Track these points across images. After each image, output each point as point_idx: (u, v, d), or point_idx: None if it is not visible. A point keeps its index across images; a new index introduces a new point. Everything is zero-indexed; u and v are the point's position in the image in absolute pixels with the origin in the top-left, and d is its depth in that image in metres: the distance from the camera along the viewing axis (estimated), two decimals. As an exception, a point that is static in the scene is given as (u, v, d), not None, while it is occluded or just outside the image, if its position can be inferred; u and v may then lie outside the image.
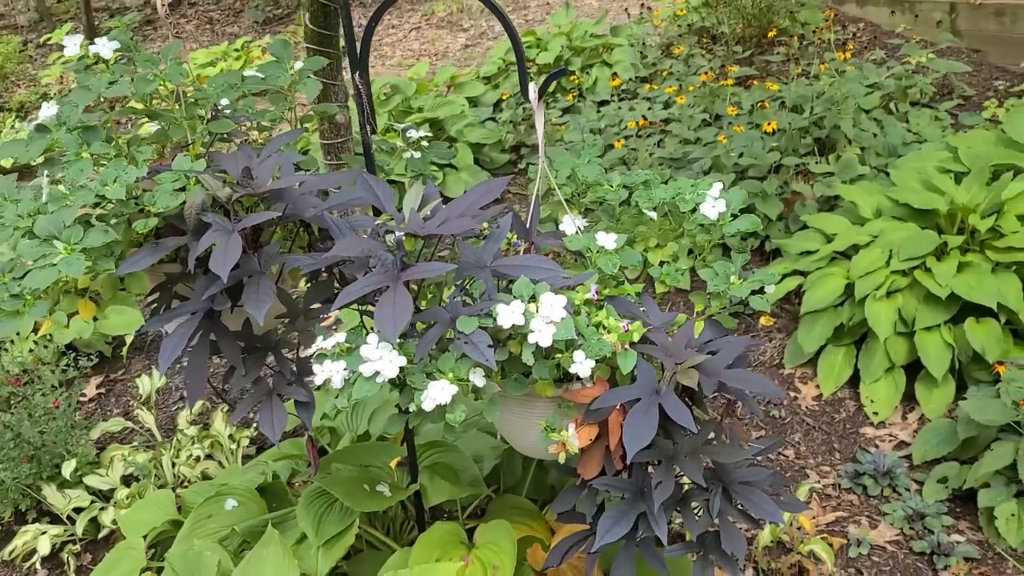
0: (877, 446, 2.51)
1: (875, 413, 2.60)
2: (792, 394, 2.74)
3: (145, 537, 2.09)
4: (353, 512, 1.80)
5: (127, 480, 2.49)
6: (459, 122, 4.34)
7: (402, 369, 1.30)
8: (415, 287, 1.40)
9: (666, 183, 1.59)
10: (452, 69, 5.05)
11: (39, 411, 2.47)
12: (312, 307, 1.52)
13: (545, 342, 1.26)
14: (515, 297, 1.31)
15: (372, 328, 1.48)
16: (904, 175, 3.04)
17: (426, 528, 1.95)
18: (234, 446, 2.55)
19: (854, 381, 2.70)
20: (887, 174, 3.28)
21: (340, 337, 1.36)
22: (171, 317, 1.41)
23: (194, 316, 1.40)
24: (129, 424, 2.70)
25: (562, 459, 1.41)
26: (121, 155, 1.48)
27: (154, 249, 1.35)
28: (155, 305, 1.53)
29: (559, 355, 1.33)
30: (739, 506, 1.49)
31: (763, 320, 3.07)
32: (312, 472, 1.73)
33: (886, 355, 2.63)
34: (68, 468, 2.39)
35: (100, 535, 2.40)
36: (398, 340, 1.31)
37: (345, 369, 1.35)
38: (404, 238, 1.34)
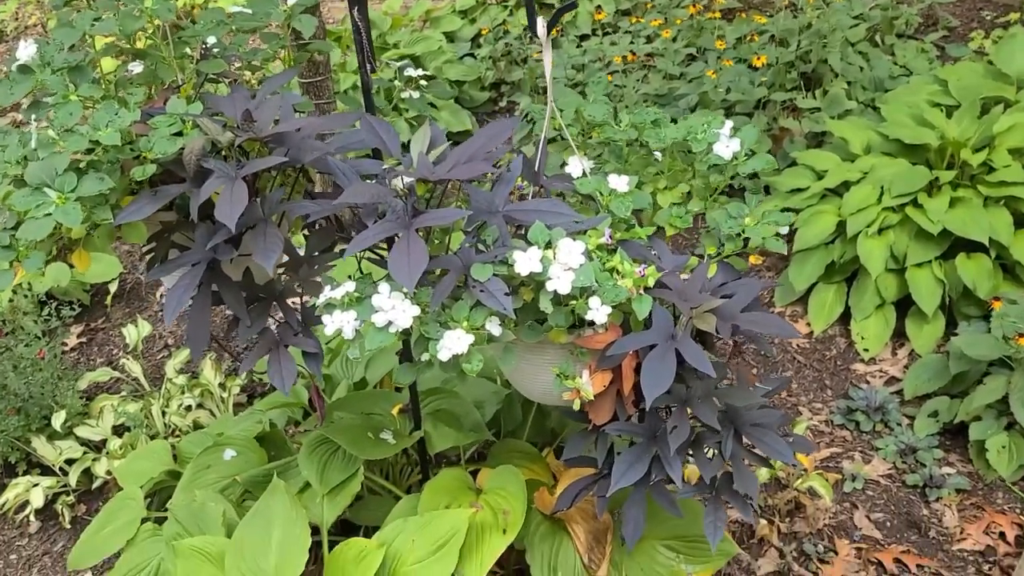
0: (868, 382, 2.54)
1: (866, 350, 2.62)
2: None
3: (142, 487, 2.07)
4: (357, 460, 1.79)
5: (118, 430, 2.45)
6: (437, 58, 4.23)
7: (415, 318, 1.27)
8: (423, 234, 1.36)
9: (675, 122, 1.56)
10: (427, 3, 4.90)
11: (24, 362, 2.41)
12: (314, 255, 1.48)
13: (564, 289, 1.24)
14: (531, 243, 1.28)
15: (372, 274, 1.45)
16: (894, 109, 3.01)
17: (430, 474, 1.95)
18: (225, 394, 2.51)
19: (845, 318, 2.72)
20: (875, 108, 3.27)
21: (349, 286, 1.32)
22: (173, 268, 1.36)
23: (196, 267, 1.35)
24: (116, 374, 2.65)
25: (576, 406, 1.40)
26: (111, 97, 1.41)
27: (153, 198, 1.29)
28: (151, 255, 1.48)
29: (574, 302, 1.30)
30: (750, 447, 1.49)
31: (752, 259, 3.06)
32: (319, 421, 1.71)
33: (877, 292, 2.64)
34: (58, 420, 2.35)
35: (94, 486, 2.38)
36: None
37: (356, 319, 1.32)
38: (415, 184, 1.30)
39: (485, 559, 1.53)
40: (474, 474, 1.96)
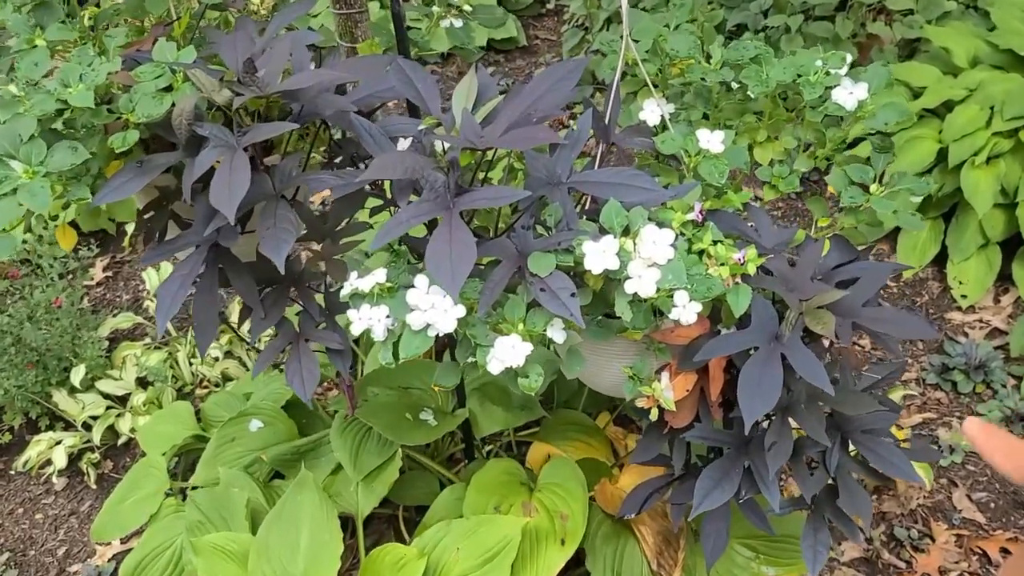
0: (967, 334, 2.26)
1: (964, 296, 2.33)
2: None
3: (164, 454, 1.92)
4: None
5: (143, 382, 2.29)
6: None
7: (460, 320, 1.03)
8: (468, 216, 1.11)
9: (777, 49, 1.25)
10: None
11: (40, 310, 2.24)
12: (340, 227, 1.24)
13: (647, 291, 0.98)
14: (605, 229, 1.02)
15: (409, 255, 1.21)
16: (1006, 14, 2.61)
17: (476, 454, 1.75)
18: (257, 343, 2.32)
19: (940, 259, 2.42)
20: (981, 11, 2.86)
21: (379, 274, 1.08)
22: (169, 251, 1.13)
23: (197, 251, 1.12)
24: (139, 319, 2.47)
25: (654, 416, 1.17)
26: (86, 39, 1.15)
27: (138, 172, 1.05)
28: (148, 227, 1.25)
29: (655, 296, 1.05)
30: (860, 458, 1.25)
31: (830, 189, 2.74)
32: (349, 411, 1.50)
33: (980, 230, 2.33)
34: (77, 375, 2.18)
35: (120, 442, 2.23)
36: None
37: (388, 317, 1.08)
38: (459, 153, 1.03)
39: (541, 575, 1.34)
40: (524, 447, 1.76)
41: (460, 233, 0.96)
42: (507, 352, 1.01)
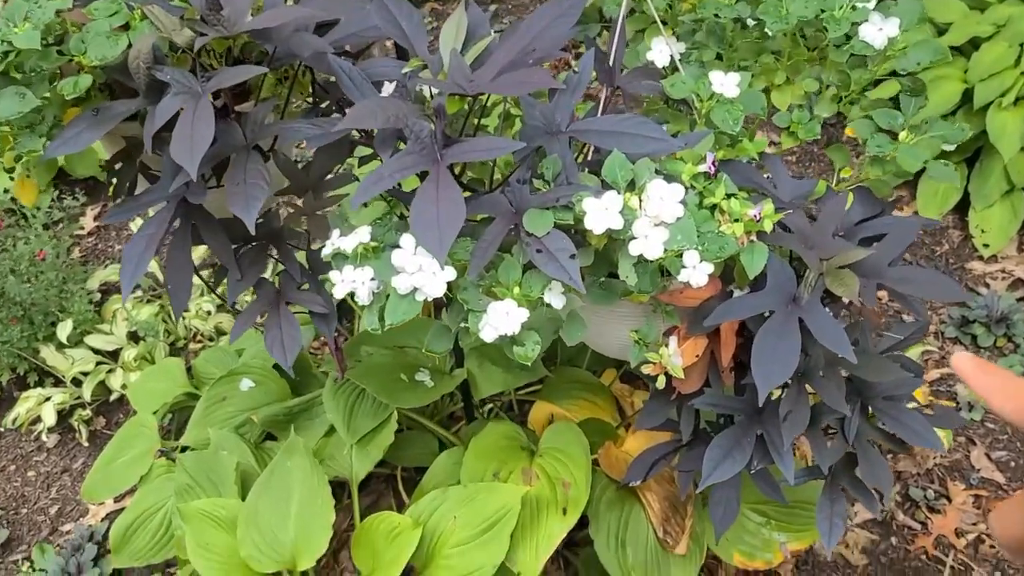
0: (988, 285, 2.16)
1: (985, 245, 2.23)
2: (886, 221, 2.35)
3: (155, 413, 1.86)
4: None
5: (134, 336, 2.22)
6: None
7: (451, 283, 0.95)
8: (457, 169, 1.02)
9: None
10: None
11: (23, 263, 2.16)
12: (323, 179, 1.15)
13: (653, 253, 0.89)
14: (608, 184, 0.93)
15: (398, 210, 1.12)
16: (1038, -56, 2.46)
17: (474, 416, 1.68)
18: (249, 297, 2.25)
19: (962, 207, 2.31)
20: (1010, -58, 2.69)
21: (363, 233, 1.00)
22: (136, 207, 1.04)
23: (167, 206, 1.03)
24: (129, 271, 2.39)
25: (660, 383, 1.09)
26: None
27: (94, 121, 0.95)
28: (115, 180, 1.16)
29: (662, 256, 0.96)
30: (879, 424, 1.17)
31: (847, 131, 2.62)
32: (338, 374, 1.43)
33: (1005, 175, 2.22)
34: (64, 330, 2.11)
35: (112, 398, 2.17)
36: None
37: (373, 279, 1.00)
38: (445, 98, 0.93)
39: (541, 546, 1.27)
40: (526, 406, 1.70)
41: (448, 191, 0.87)
42: (501, 319, 0.93)
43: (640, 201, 0.90)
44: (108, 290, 2.45)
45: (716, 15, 1.13)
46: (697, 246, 0.90)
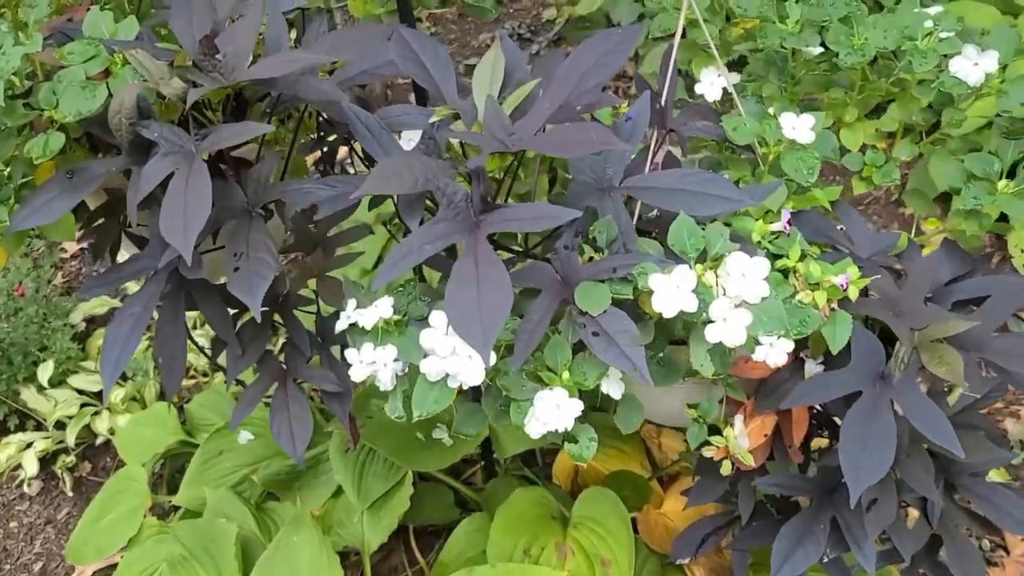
0: (1031, 309, 2.03)
1: (1026, 265, 2.10)
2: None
3: (144, 465, 1.72)
4: (405, 464, 1.39)
5: (122, 375, 2.07)
6: None
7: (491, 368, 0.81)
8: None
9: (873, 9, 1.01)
10: None
11: (0, 299, 2.01)
12: (331, 233, 1.01)
13: (736, 339, 0.76)
14: (673, 251, 0.79)
15: (424, 278, 0.98)
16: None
17: (495, 471, 1.55)
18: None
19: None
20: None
21: (384, 306, 0.86)
22: (116, 279, 0.90)
23: (155, 278, 0.89)
24: (116, 303, 2.24)
25: (725, 470, 0.95)
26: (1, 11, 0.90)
27: (69, 186, 0.81)
28: (96, 239, 1.02)
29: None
30: (965, 504, 1.05)
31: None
32: (350, 444, 1.29)
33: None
34: (45, 372, 1.96)
35: (98, 442, 2.02)
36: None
37: (396, 360, 0.86)
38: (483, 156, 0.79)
39: (582, 637, 1.14)
40: (549, 456, 1.57)
41: (490, 270, 0.73)
42: (550, 412, 0.80)
43: (716, 277, 0.77)
44: (93, 320, 2.30)
45: (781, 45, 0.99)
46: (785, 330, 0.77)
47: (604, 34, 0.88)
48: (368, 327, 0.87)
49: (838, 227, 0.98)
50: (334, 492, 1.46)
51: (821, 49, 1.01)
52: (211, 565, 1.37)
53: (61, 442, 1.99)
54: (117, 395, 1.99)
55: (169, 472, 1.88)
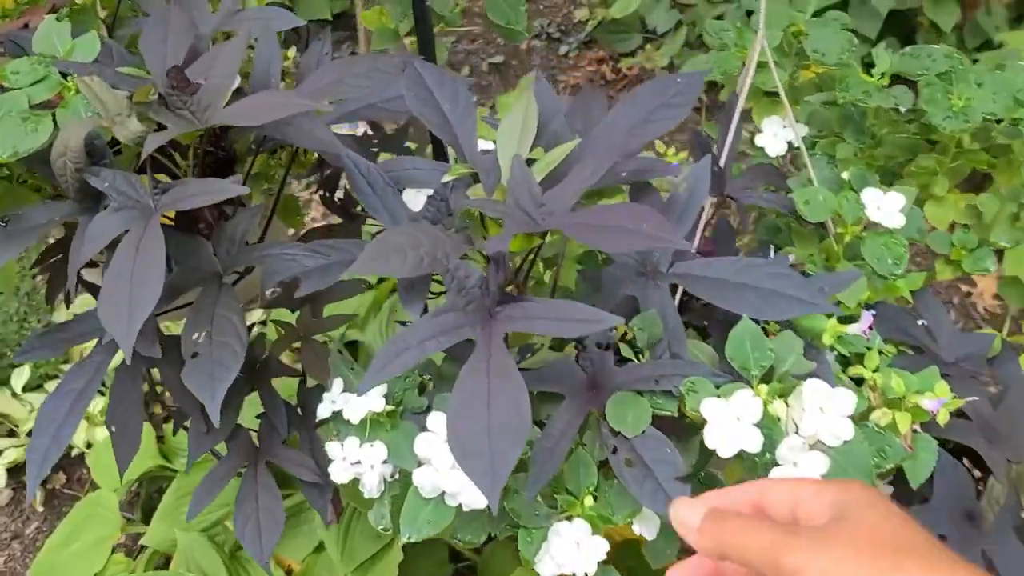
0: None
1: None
2: (965, 288, 2.07)
3: (116, 491, 1.59)
4: (396, 525, 1.25)
5: (103, 383, 1.94)
6: None
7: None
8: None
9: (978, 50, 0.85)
10: None
11: (-23, 295, 1.88)
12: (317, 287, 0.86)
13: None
14: (733, 367, 0.64)
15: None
16: None
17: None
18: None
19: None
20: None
21: (375, 398, 0.71)
22: (60, 342, 0.76)
23: (103, 347, 0.75)
24: (102, 302, 2.11)
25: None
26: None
27: (4, 238, 0.67)
28: (51, 279, 0.88)
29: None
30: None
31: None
32: (332, 519, 1.15)
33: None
34: (19, 380, 1.83)
35: (73, 453, 1.89)
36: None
37: (385, 462, 0.72)
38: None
39: None
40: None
41: (505, 382, 0.59)
42: (568, 552, 0.65)
43: (786, 406, 0.62)
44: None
45: (862, 98, 0.84)
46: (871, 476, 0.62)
47: (660, 83, 0.73)
48: (355, 420, 0.72)
49: (918, 322, 0.83)
50: (317, 546, 1.33)
51: (908, 106, 0.86)
52: (175, 628, 1.24)
53: (34, 451, 1.86)
54: (96, 405, 1.86)
55: (146, 493, 1.75)
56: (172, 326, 0.99)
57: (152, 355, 0.67)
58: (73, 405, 0.70)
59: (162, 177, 0.73)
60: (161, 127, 0.64)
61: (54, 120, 0.66)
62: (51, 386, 1.89)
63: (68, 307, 0.83)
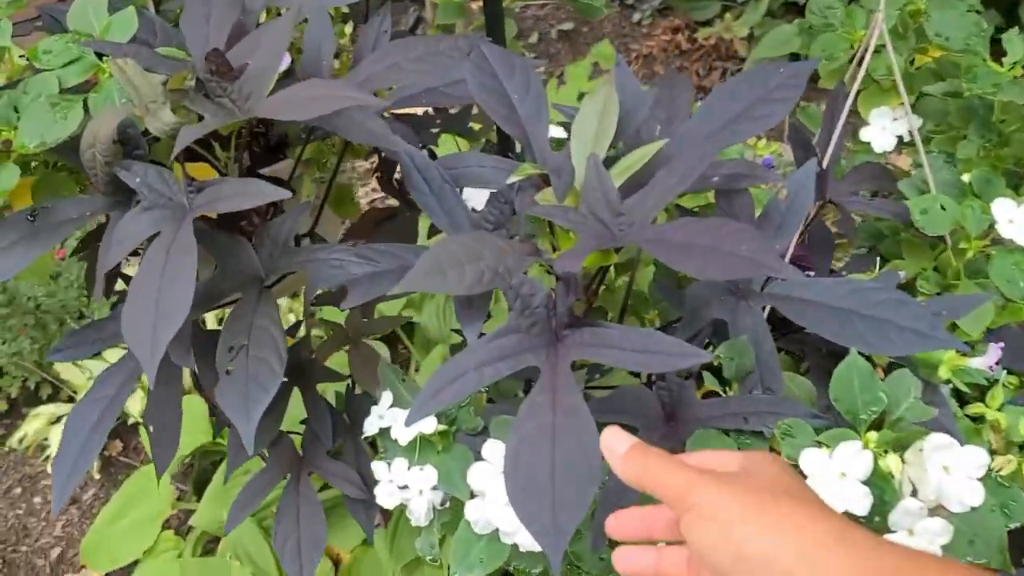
0: None
1: None
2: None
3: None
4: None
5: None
6: None
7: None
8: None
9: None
10: None
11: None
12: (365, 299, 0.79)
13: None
14: (837, 408, 0.55)
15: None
16: None
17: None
18: (291, 313, 1.93)
19: None
20: None
21: (427, 421, 0.65)
22: (95, 343, 0.71)
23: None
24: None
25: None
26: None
27: (30, 232, 0.61)
28: (88, 267, 0.83)
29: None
30: None
31: None
32: (381, 524, 1.10)
33: None
34: (77, 348, 1.82)
35: (130, 421, 1.89)
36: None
37: (435, 488, 0.66)
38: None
39: None
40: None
41: (571, 418, 0.51)
42: (637, 608, 0.58)
43: (901, 461, 0.53)
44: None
45: (984, 94, 0.73)
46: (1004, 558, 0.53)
47: (760, 73, 0.64)
48: (403, 442, 0.66)
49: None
50: (365, 538, 1.28)
51: (1045, 102, 0.75)
52: (221, 616, 1.21)
53: (92, 419, 1.86)
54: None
55: (199, 466, 1.73)
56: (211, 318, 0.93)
57: (187, 365, 0.61)
58: (103, 413, 0.65)
59: (202, 168, 0.67)
60: (199, 116, 0.57)
61: (85, 106, 0.60)
62: (109, 353, 1.88)
63: (108, 298, 0.78)
